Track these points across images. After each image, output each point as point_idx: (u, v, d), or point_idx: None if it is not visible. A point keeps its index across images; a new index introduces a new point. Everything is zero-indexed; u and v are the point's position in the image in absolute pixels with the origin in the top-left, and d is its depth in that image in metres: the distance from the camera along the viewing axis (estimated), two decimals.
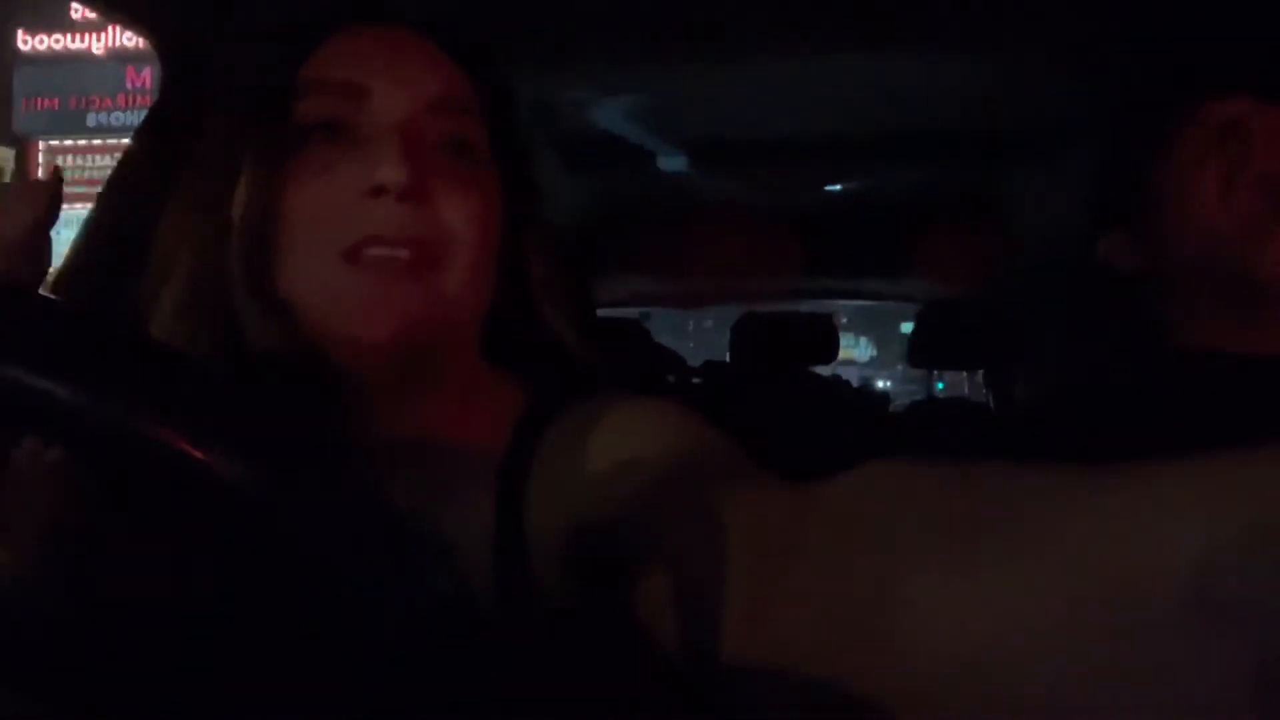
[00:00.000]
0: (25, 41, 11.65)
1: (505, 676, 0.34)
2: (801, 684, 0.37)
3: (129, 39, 10.91)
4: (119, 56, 11.50)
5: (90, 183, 10.99)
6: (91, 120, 11.78)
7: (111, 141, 11.29)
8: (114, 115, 11.64)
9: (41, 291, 0.51)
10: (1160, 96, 0.93)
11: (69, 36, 11.64)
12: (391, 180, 0.53)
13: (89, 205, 1.10)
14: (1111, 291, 0.99)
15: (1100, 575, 0.28)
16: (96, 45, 11.69)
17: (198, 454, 0.26)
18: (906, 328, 3.93)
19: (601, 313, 2.72)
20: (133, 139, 1.12)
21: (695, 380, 2.88)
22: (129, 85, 11.58)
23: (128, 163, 1.09)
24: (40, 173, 11.57)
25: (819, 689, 0.35)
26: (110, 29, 11.38)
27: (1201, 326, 0.89)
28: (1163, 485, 0.29)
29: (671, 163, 2.01)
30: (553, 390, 0.62)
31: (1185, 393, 0.85)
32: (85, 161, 11.72)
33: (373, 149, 0.55)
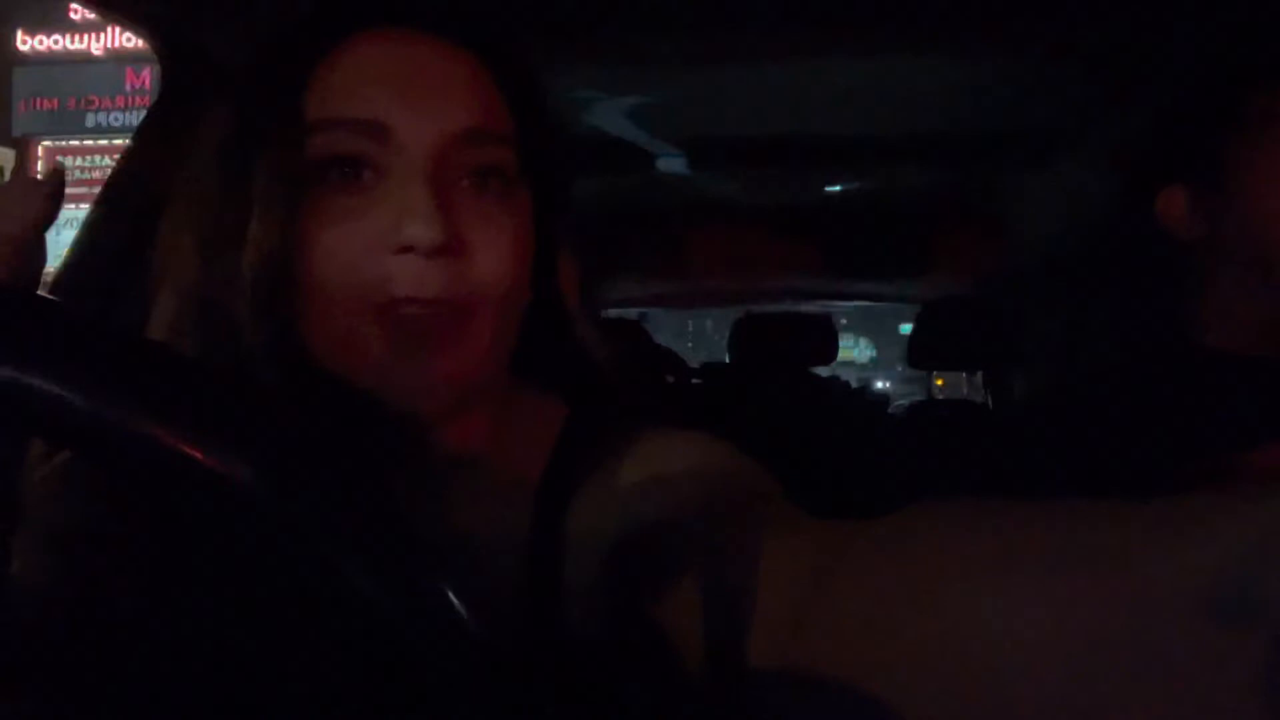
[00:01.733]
0: (25, 42, 11.64)
1: (535, 696, 0.34)
2: (830, 705, 0.37)
3: (128, 39, 10.90)
4: (118, 57, 11.49)
5: (90, 183, 10.97)
6: (91, 121, 11.77)
7: (111, 142, 11.29)
8: (113, 116, 11.63)
9: (39, 292, 0.50)
10: (1259, 54, 0.90)
11: (68, 37, 11.63)
12: (423, 240, 0.48)
13: (89, 205, 1.10)
14: (1146, 268, 0.95)
15: (1127, 600, 0.28)
16: (96, 46, 11.68)
17: (197, 455, 0.26)
18: (906, 329, 3.93)
19: (601, 314, 2.72)
20: (132, 139, 1.12)
21: (694, 381, 2.88)
22: (128, 86, 11.57)
23: (127, 163, 1.09)
24: (39, 173, 11.54)
25: (848, 709, 0.35)
26: (109, 29, 11.37)
27: (1244, 317, 0.86)
28: (1188, 509, 0.29)
29: (671, 163, 2.01)
30: (589, 411, 0.61)
31: (1213, 395, 0.83)
32: (85, 162, 11.71)
33: (399, 197, 0.50)
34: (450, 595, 0.29)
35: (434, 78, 0.52)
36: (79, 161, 11.71)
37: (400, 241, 0.49)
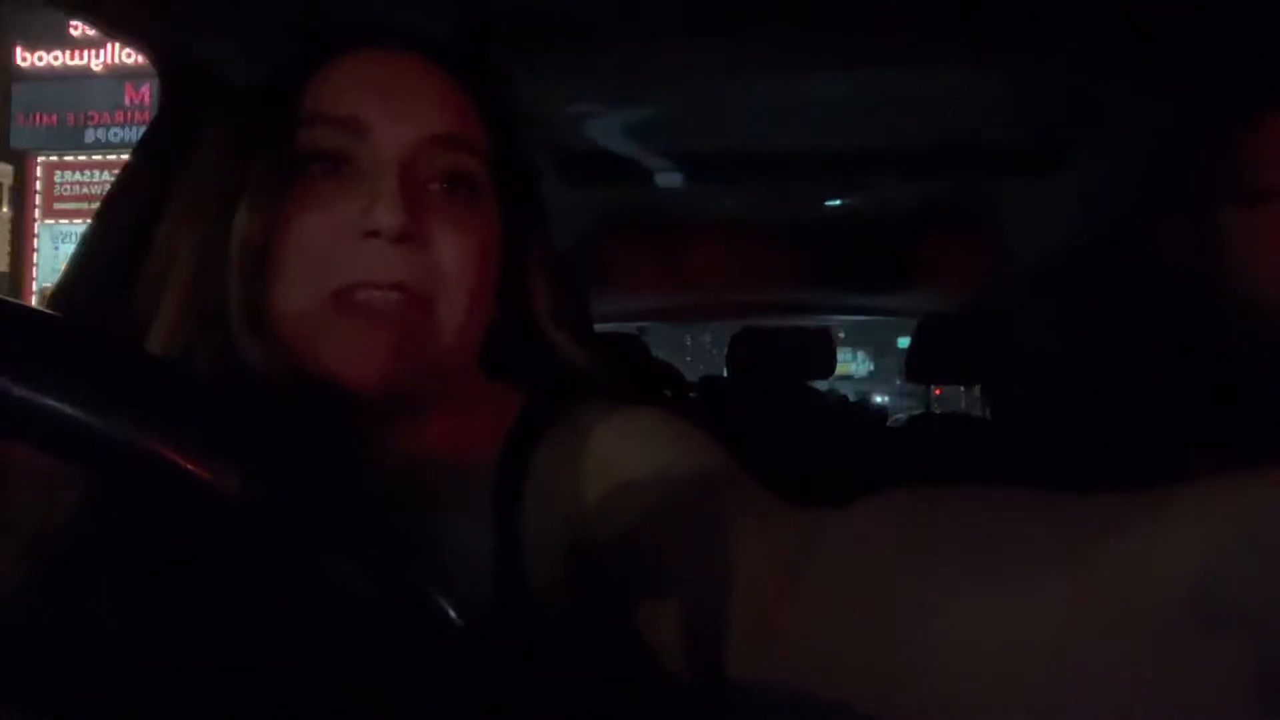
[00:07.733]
0: (24, 58, 11.68)
1: (502, 688, 0.34)
2: (807, 701, 0.36)
3: (128, 55, 10.95)
4: (118, 73, 11.52)
5: (88, 199, 11.00)
6: (90, 136, 11.79)
7: (110, 157, 11.32)
8: (112, 131, 11.65)
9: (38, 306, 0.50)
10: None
11: (68, 53, 11.67)
12: (386, 225, 0.53)
13: (88, 221, 1.10)
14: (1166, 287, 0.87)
15: (1102, 589, 0.28)
16: (95, 62, 11.71)
17: (187, 465, 0.26)
18: (904, 342, 3.94)
19: (599, 328, 2.72)
20: (131, 154, 1.12)
21: (692, 395, 2.88)
22: (127, 101, 11.59)
23: (126, 178, 1.09)
24: (39, 188, 11.59)
25: (825, 705, 0.35)
26: (109, 45, 11.41)
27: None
28: (1164, 502, 0.29)
29: (669, 178, 2.02)
30: (545, 399, 0.62)
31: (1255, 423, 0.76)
32: (83, 177, 11.74)
33: (370, 188, 0.54)
34: (429, 583, 0.30)
35: (411, 87, 0.58)
36: (78, 177, 11.74)
37: (366, 226, 0.53)
